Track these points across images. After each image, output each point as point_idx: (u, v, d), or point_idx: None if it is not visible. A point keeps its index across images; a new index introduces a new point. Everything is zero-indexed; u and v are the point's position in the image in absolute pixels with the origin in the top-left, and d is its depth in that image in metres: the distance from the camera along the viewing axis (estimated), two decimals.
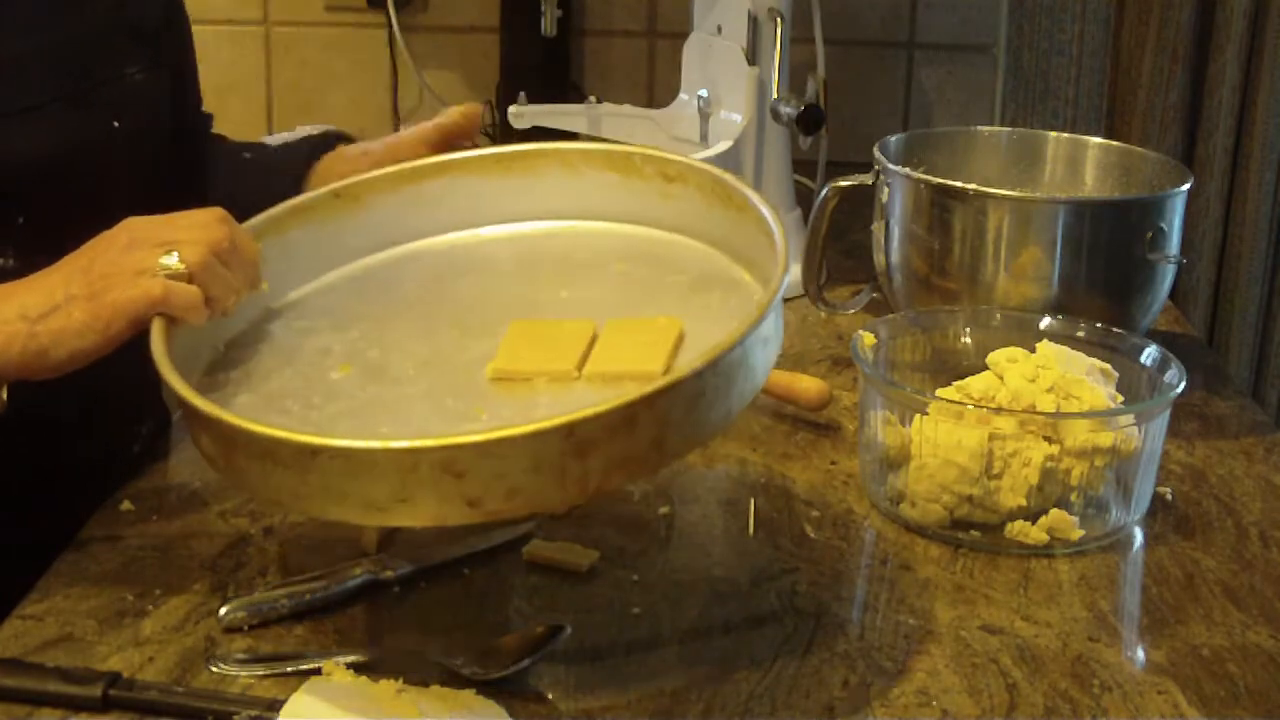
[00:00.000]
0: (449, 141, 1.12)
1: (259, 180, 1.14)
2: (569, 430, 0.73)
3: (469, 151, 1.06)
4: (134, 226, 0.91)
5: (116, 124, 1.08)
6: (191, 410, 0.81)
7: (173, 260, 0.88)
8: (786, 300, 1.48)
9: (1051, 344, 1.07)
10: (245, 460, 0.79)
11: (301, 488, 0.77)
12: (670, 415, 0.76)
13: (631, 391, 0.75)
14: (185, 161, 1.19)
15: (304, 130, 1.22)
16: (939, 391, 1.07)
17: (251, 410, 0.87)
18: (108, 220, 0.91)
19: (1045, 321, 1.15)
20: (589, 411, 0.73)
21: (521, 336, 0.91)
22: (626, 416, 0.74)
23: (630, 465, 0.76)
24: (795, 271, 1.41)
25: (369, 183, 1.03)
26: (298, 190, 1.12)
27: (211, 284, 0.89)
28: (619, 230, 1.02)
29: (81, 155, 1.04)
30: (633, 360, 0.86)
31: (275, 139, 1.25)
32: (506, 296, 0.98)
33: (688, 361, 0.77)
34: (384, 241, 1.03)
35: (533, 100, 1.60)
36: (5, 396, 0.91)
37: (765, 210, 0.91)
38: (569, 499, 0.77)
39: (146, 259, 0.88)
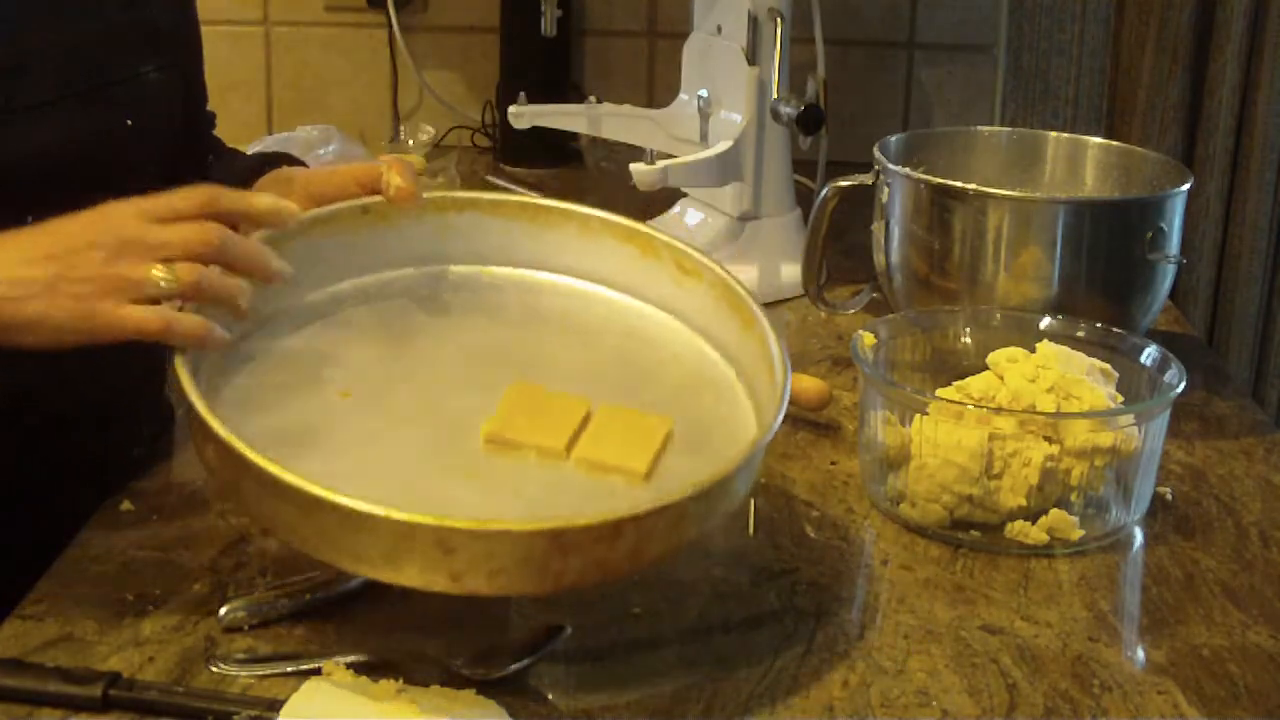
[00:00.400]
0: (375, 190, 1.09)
1: (205, 167, 1.14)
2: (558, 534, 0.77)
3: (499, 195, 1.07)
4: (118, 225, 0.87)
5: (130, 122, 1.08)
6: (205, 428, 0.82)
7: (165, 276, 0.85)
8: (787, 301, 1.48)
9: (1051, 344, 1.07)
10: (250, 486, 0.81)
11: (299, 526, 0.80)
12: (653, 532, 0.81)
13: (621, 509, 0.79)
14: (193, 160, 1.19)
15: (275, 140, 1.21)
16: (939, 391, 1.07)
17: (260, 431, 0.87)
18: None
19: (1045, 321, 1.15)
20: (580, 521, 0.78)
21: (519, 401, 0.93)
22: (614, 529, 0.78)
23: (605, 568, 0.80)
24: (795, 271, 1.41)
25: (403, 205, 1.03)
26: None
27: (210, 297, 0.87)
28: (627, 304, 1.04)
29: (93, 153, 1.04)
30: (620, 455, 0.89)
31: (257, 146, 1.24)
32: (509, 346, 1.00)
33: (679, 488, 0.81)
34: (405, 260, 1.04)
35: (533, 100, 1.60)
36: None
37: (770, 334, 0.94)
38: (543, 590, 0.80)
39: (136, 271, 0.85)
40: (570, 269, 1.05)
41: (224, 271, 0.89)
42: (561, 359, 1.00)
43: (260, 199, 0.93)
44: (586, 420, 0.92)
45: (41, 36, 1.01)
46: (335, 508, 0.77)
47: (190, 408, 0.83)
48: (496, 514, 0.79)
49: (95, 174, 1.02)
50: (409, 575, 0.78)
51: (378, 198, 1.01)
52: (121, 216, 0.88)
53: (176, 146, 1.16)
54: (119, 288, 0.85)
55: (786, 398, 0.89)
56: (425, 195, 1.02)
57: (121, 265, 0.86)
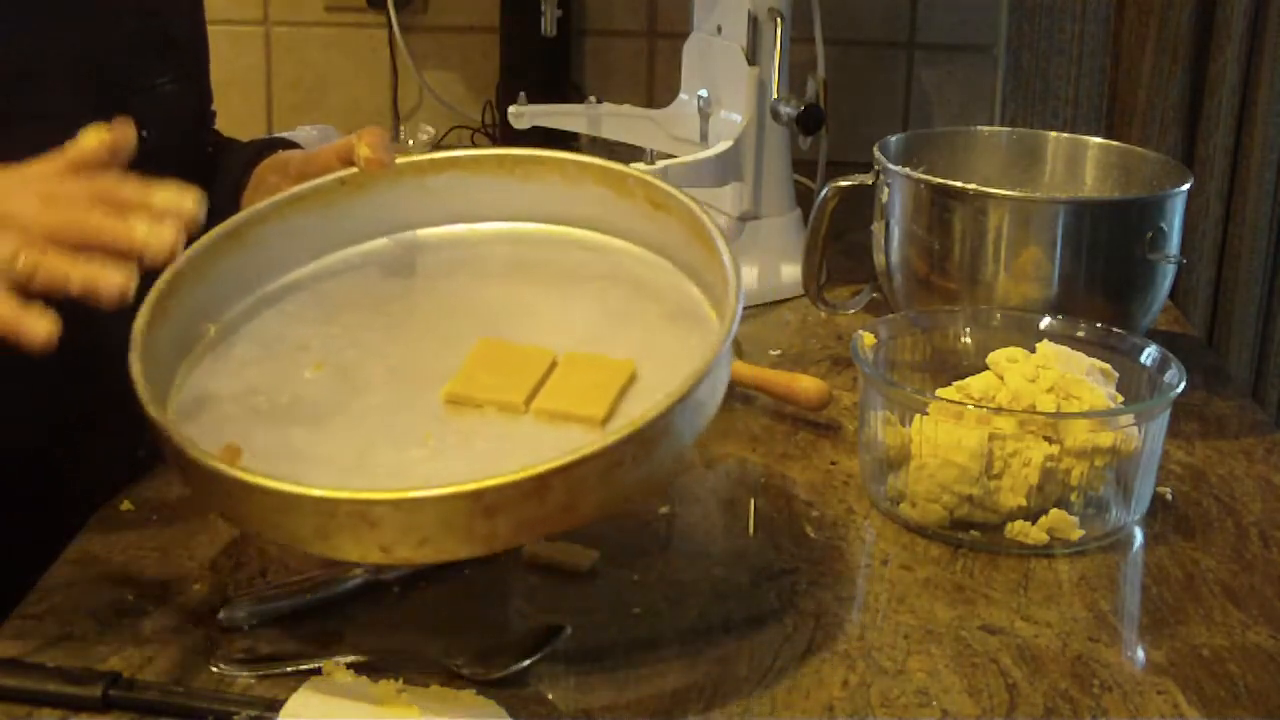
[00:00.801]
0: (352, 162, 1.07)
1: (211, 175, 1.14)
2: (478, 495, 0.76)
3: (473, 150, 1.07)
4: (9, 200, 0.83)
5: (145, 134, 1.08)
6: (150, 421, 0.84)
7: (18, 263, 0.79)
8: (787, 301, 1.48)
9: (1051, 344, 1.07)
10: (192, 473, 0.83)
11: (241, 511, 0.81)
12: (584, 483, 0.79)
13: (545, 461, 0.77)
14: (204, 168, 1.19)
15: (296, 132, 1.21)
16: (939, 391, 1.07)
17: (230, 410, 0.90)
18: None
19: (1045, 321, 1.15)
20: (498, 480, 0.76)
21: (483, 358, 0.93)
22: (538, 484, 0.77)
23: (540, 525, 0.79)
24: (795, 271, 1.41)
25: (374, 173, 1.04)
26: (236, 192, 1.13)
27: (64, 281, 0.80)
28: (609, 244, 1.03)
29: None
30: (578, 403, 0.89)
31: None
32: (487, 303, 1.00)
33: (604, 434, 0.80)
34: (386, 228, 1.04)
35: (533, 100, 1.60)
36: None
37: (728, 259, 0.91)
38: (477, 552, 0.79)
39: (3, 250, 0.80)
40: (552, 216, 1.04)
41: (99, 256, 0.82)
42: (540, 309, 0.99)
43: (161, 190, 0.85)
44: (551, 370, 0.92)
45: (58, 46, 1.01)
46: (264, 490, 0.78)
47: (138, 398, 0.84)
48: (446, 476, 0.78)
49: None
50: (343, 549, 0.78)
51: (354, 169, 1.02)
52: (13, 191, 0.84)
53: (192, 157, 1.17)
54: None
55: (729, 330, 0.85)
56: (401, 160, 1.03)
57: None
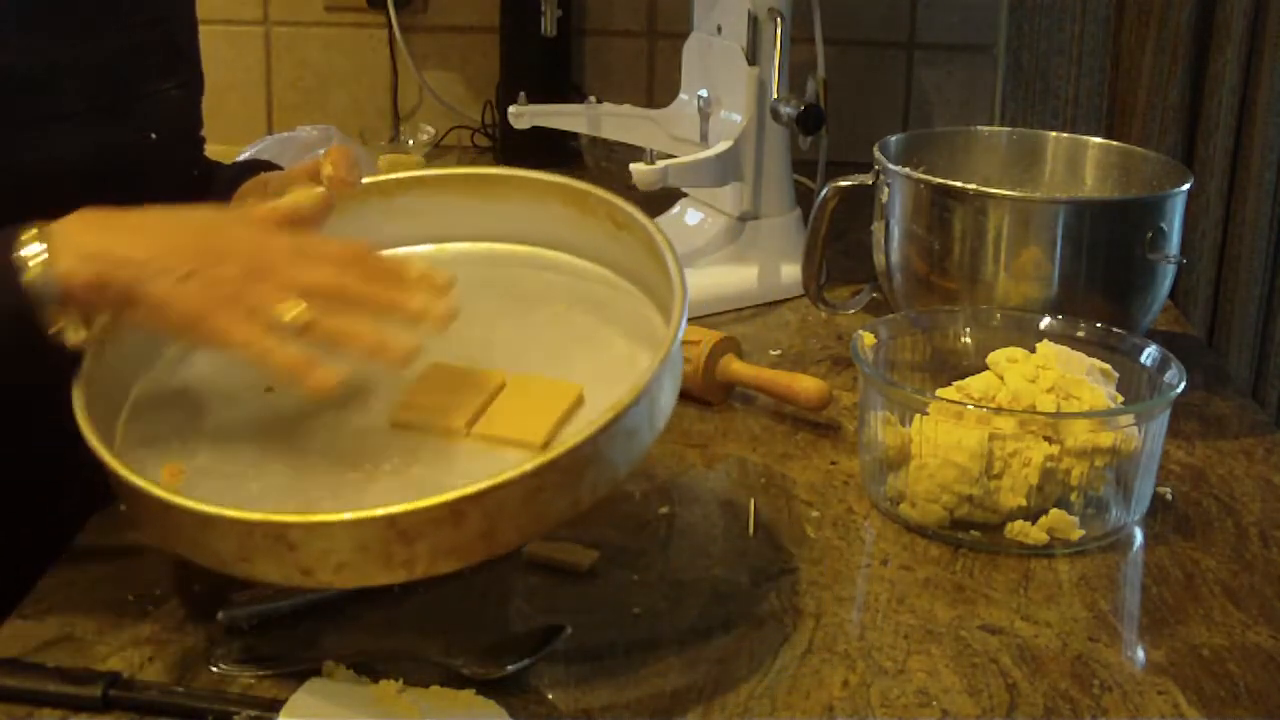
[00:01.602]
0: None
1: (200, 196, 1.14)
2: (391, 521, 0.76)
3: (439, 170, 1.08)
4: (260, 243, 0.88)
5: (152, 136, 1.09)
6: (84, 440, 0.84)
7: (290, 313, 0.84)
8: (787, 301, 1.48)
9: (1051, 344, 1.07)
10: (123, 492, 0.83)
11: (167, 532, 0.82)
12: (502, 509, 0.78)
13: (461, 487, 0.76)
14: (199, 178, 1.20)
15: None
16: (939, 391, 1.07)
17: (175, 425, 0.91)
18: None
19: (1045, 321, 1.15)
20: (411, 506, 0.76)
21: (430, 382, 0.93)
22: (453, 511, 0.76)
23: (460, 553, 0.78)
24: (795, 271, 1.41)
25: (339, 193, 1.03)
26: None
27: (327, 340, 0.85)
28: (574, 264, 1.03)
29: (115, 166, 1.05)
30: (517, 428, 0.88)
31: (257, 146, 1.25)
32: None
33: (518, 463, 0.78)
34: None
35: (533, 100, 1.60)
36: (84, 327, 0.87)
37: (676, 283, 0.90)
38: (398, 579, 0.78)
39: (265, 299, 0.84)
40: (519, 236, 1.04)
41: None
42: (500, 331, 0.99)
43: (415, 262, 0.91)
44: (497, 394, 0.91)
45: (70, 52, 1.02)
46: (182, 510, 0.78)
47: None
48: (378, 500, 0.77)
49: (118, 187, 1.03)
50: (264, 572, 0.78)
51: (321, 188, 1.01)
52: (266, 236, 0.90)
53: (194, 160, 1.18)
54: (242, 306, 0.85)
55: (665, 358, 0.84)
56: (367, 180, 1.03)
57: (253, 286, 0.85)
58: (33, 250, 0.85)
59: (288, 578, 0.78)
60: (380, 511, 0.76)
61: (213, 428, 0.92)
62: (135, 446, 0.89)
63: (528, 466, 0.77)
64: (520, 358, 0.95)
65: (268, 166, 1.18)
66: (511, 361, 0.94)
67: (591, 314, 1.00)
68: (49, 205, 0.90)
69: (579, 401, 0.90)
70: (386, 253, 1.04)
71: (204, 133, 1.28)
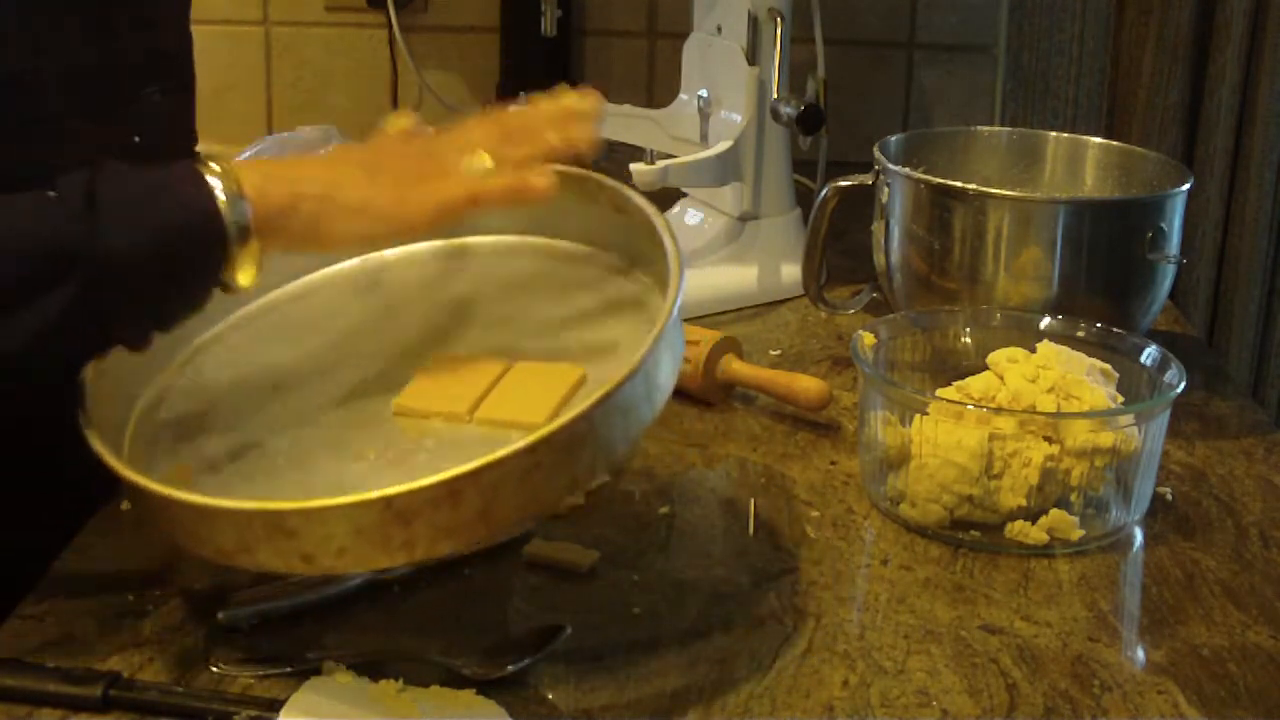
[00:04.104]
0: None
1: None
2: (387, 502, 0.76)
3: None
4: (419, 143, 0.91)
5: (137, 139, 1.09)
6: (87, 441, 0.84)
7: (480, 161, 0.87)
8: (787, 301, 1.48)
9: (1051, 344, 1.07)
10: (132, 496, 0.84)
11: (170, 526, 0.82)
12: (498, 489, 0.77)
13: (455, 467, 0.76)
14: None
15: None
16: (939, 391, 1.07)
17: (185, 424, 0.92)
18: None
19: (1045, 321, 1.15)
20: (406, 487, 0.76)
21: (434, 372, 0.94)
22: (449, 490, 0.76)
23: (459, 533, 0.78)
24: (795, 271, 1.41)
25: None
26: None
27: (521, 169, 0.89)
28: (575, 251, 1.03)
29: None
30: (520, 410, 0.88)
31: (257, 146, 1.25)
32: (453, 316, 1.01)
33: (513, 441, 0.78)
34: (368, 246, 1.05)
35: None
36: (255, 270, 0.85)
37: (673, 265, 0.90)
38: (398, 562, 0.78)
39: (452, 161, 0.88)
40: (520, 227, 1.05)
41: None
42: (504, 321, 0.99)
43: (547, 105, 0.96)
44: (499, 380, 0.92)
45: (53, 54, 1.02)
46: (183, 505, 0.79)
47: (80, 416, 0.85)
48: (382, 486, 0.77)
49: None
50: (266, 561, 0.78)
51: None
52: (406, 140, 0.92)
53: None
54: (435, 175, 0.87)
55: (660, 334, 0.83)
56: None
57: (435, 160, 0.88)
58: (212, 180, 0.83)
59: (290, 566, 0.78)
60: (376, 494, 0.76)
61: (221, 427, 0.92)
62: (144, 447, 0.90)
63: (522, 443, 0.77)
64: (522, 344, 0.95)
65: None
66: (513, 349, 0.95)
67: (594, 299, 1.00)
68: None
69: (581, 383, 0.90)
70: (391, 253, 1.05)
71: (198, 137, 1.28)
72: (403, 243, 1.01)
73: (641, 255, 0.98)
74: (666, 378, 0.86)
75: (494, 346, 0.95)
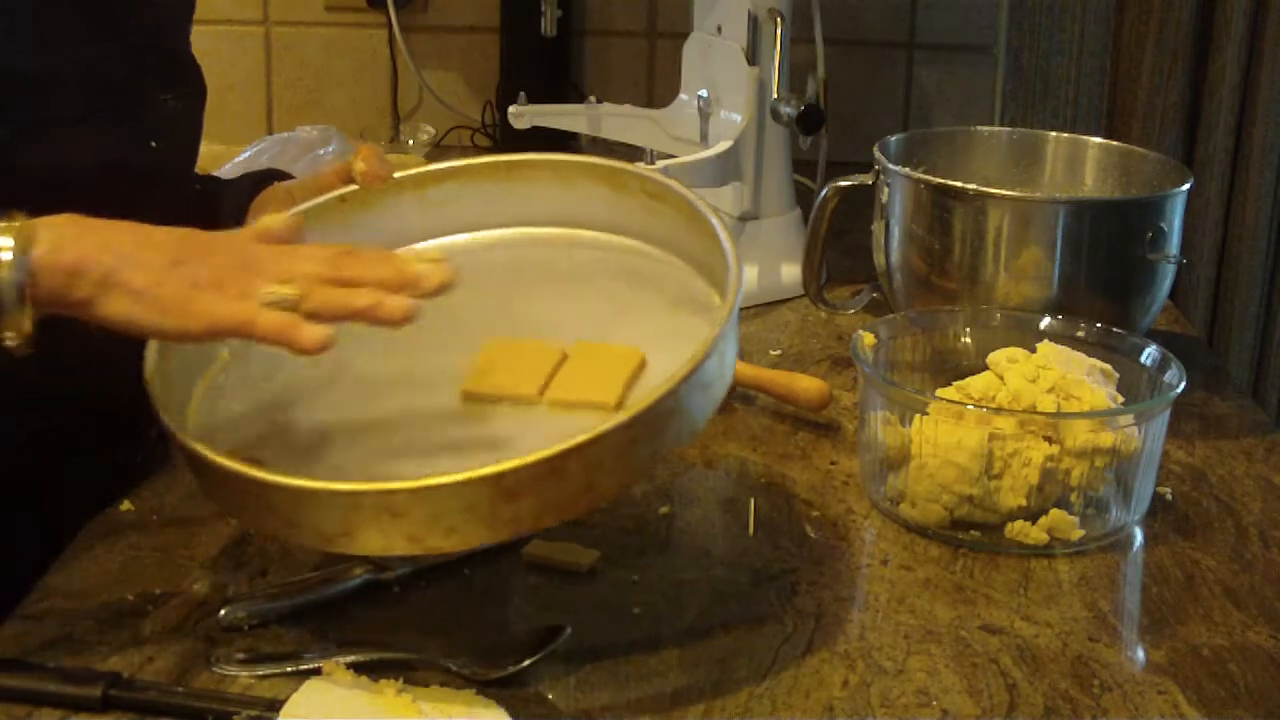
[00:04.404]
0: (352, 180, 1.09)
1: (209, 210, 1.14)
2: (498, 478, 0.77)
3: (470, 159, 1.08)
4: (244, 245, 0.87)
5: (154, 144, 1.09)
6: (169, 433, 0.84)
7: (283, 289, 0.82)
8: (787, 301, 1.48)
9: (1051, 344, 1.07)
10: (211, 481, 0.84)
11: (261, 513, 0.82)
12: (601, 463, 0.80)
13: (559, 442, 0.78)
14: (198, 194, 1.20)
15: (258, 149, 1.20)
16: (939, 391, 1.07)
17: (241, 422, 0.91)
18: None
19: (1045, 321, 1.15)
20: (516, 463, 0.77)
21: (495, 356, 0.94)
22: (554, 466, 0.78)
23: (563, 507, 0.80)
24: (795, 271, 1.41)
25: (372, 187, 1.05)
26: (241, 222, 1.13)
27: (327, 311, 0.83)
28: (609, 241, 1.04)
29: (120, 171, 1.04)
30: (590, 390, 0.90)
31: (257, 146, 1.25)
32: (493, 305, 1.01)
33: (615, 417, 0.80)
34: (389, 242, 1.05)
35: (533, 100, 1.60)
36: (28, 330, 0.82)
37: (726, 243, 0.92)
38: (502, 537, 0.80)
39: (254, 284, 0.83)
40: (552, 219, 1.06)
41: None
42: (545, 311, 1.00)
43: (410, 261, 0.87)
44: (561, 363, 0.93)
45: (70, 57, 1.02)
46: (284, 490, 0.79)
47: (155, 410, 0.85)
48: (470, 468, 0.78)
49: (121, 193, 1.03)
50: (370, 544, 0.79)
51: (354, 186, 1.03)
52: (249, 241, 0.88)
53: (188, 175, 1.18)
54: (231, 290, 0.83)
55: (732, 309, 0.86)
56: (400, 174, 1.04)
57: (242, 274, 0.83)
58: (3, 241, 0.81)
59: (391, 547, 0.79)
60: (487, 470, 0.77)
61: (282, 421, 0.92)
62: (202, 440, 0.87)
63: (624, 418, 0.79)
64: (571, 332, 0.96)
65: (280, 176, 1.18)
66: (563, 335, 0.95)
67: (633, 284, 1.01)
68: (49, 211, 0.90)
69: (643, 364, 0.92)
70: (420, 245, 1.05)
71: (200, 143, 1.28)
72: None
73: (680, 243, 0.99)
74: (731, 357, 0.89)
75: (541, 332, 0.96)
